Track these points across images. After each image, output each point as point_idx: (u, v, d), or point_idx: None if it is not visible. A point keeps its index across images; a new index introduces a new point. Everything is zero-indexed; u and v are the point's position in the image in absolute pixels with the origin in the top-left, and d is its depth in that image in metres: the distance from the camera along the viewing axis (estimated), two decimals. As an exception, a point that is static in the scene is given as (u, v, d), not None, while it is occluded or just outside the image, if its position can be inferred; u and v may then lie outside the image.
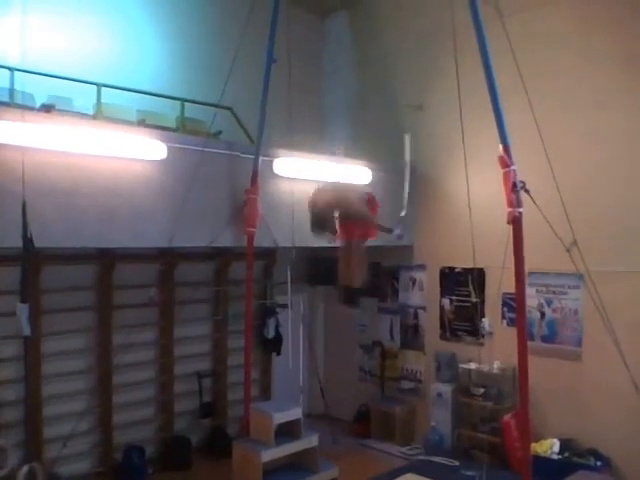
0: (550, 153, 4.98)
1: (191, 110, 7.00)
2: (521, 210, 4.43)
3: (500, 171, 4.59)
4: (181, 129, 6.78)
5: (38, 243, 4.46)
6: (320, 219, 4.94)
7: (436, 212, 8.35)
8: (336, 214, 4.90)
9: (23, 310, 4.27)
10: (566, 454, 6.70)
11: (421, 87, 8.47)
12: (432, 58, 8.12)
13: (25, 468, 4.45)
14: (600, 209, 6.78)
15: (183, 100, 6.86)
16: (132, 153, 5.51)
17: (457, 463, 7.30)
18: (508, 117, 4.54)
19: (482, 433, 7.34)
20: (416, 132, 8.51)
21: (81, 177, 5.20)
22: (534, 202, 4.53)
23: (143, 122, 6.46)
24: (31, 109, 5.50)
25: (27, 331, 4.33)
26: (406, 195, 6.59)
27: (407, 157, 6.89)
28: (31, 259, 4.79)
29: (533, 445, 6.38)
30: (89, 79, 6.18)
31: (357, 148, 7.92)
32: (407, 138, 6.94)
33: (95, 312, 7.00)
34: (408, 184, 6.77)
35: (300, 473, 6.30)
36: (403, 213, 6.35)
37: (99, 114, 6.09)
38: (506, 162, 4.44)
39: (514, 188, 4.40)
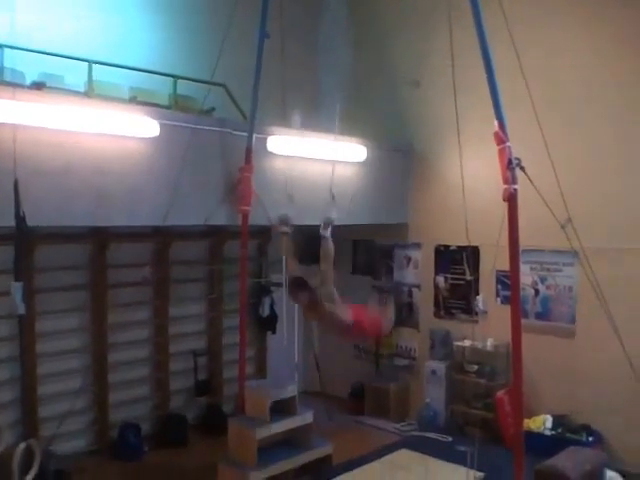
0: (545, 129, 4.94)
1: (183, 87, 6.92)
2: (517, 187, 4.41)
3: (495, 148, 4.56)
4: (173, 106, 6.71)
5: (30, 222, 4.42)
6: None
7: (432, 190, 8.33)
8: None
9: (17, 289, 4.25)
10: (559, 430, 6.79)
11: (418, 64, 8.39)
12: (430, 35, 8.02)
13: (22, 445, 4.46)
14: (595, 186, 6.79)
15: (175, 77, 6.78)
16: (124, 131, 5.45)
17: (450, 439, 7.39)
18: (504, 95, 4.50)
19: (475, 409, 7.42)
20: (413, 110, 8.50)
21: (73, 155, 5.15)
22: (529, 179, 4.51)
23: (135, 99, 6.39)
24: (22, 87, 5.42)
25: (22, 309, 4.31)
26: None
27: None
28: (24, 238, 4.76)
29: (526, 421, 6.45)
30: (80, 56, 6.09)
31: (352, 125, 7.86)
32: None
33: (89, 291, 6.99)
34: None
35: (295, 449, 6.34)
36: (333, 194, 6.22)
37: (91, 91, 6.01)
38: (501, 138, 4.40)
39: (509, 165, 4.37)
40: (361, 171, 7.84)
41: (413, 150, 8.55)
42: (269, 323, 8.57)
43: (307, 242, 9.08)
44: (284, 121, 6.67)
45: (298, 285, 5.38)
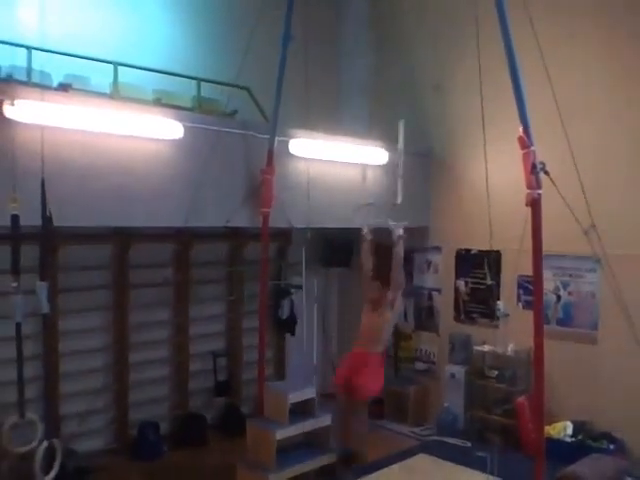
0: (570, 135, 4.91)
1: (207, 89, 6.98)
2: (540, 192, 4.38)
3: (518, 153, 4.54)
4: (197, 108, 6.76)
5: (56, 222, 4.49)
6: None
7: (452, 193, 8.31)
8: None
9: (42, 288, 4.32)
10: (579, 437, 6.72)
11: (440, 67, 8.37)
12: (451, 38, 8.00)
13: (44, 444, 4.52)
14: (618, 192, 6.72)
15: (199, 79, 6.83)
16: (148, 132, 5.50)
17: (469, 444, 7.34)
18: (528, 99, 4.47)
19: (495, 415, 7.36)
20: (434, 113, 8.48)
21: (98, 156, 5.21)
22: (553, 184, 4.48)
23: (159, 101, 6.44)
24: (49, 88, 5.50)
25: (46, 309, 4.38)
26: (400, 185, 6.59)
27: (401, 144, 6.79)
28: (50, 238, 4.82)
29: (546, 427, 6.38)
30: (106, 58, 6.17)
31: (374, 128, 7.87)
32: (401, 124, 6.83)
33: (111, 291, 7.06)
34: (402, 171, 6.73)
35: (314, 451, 6.35)
36: (399, 201, 6.37)
37: (116, 93, 6.08)
38: (525, 143, 4.39)
39: (533, 169, 4.35)
40: (382, 174, 7.83)
41: (434, 153, 8.52)
42: (288, 325, 8.58)
43: (327, 245, 9.12)
44: (306, 124, 6.68)
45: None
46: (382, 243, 6.41)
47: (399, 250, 6.31)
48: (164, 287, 7.32)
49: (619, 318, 5.20)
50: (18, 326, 4.39)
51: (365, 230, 6.56)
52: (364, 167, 7.53)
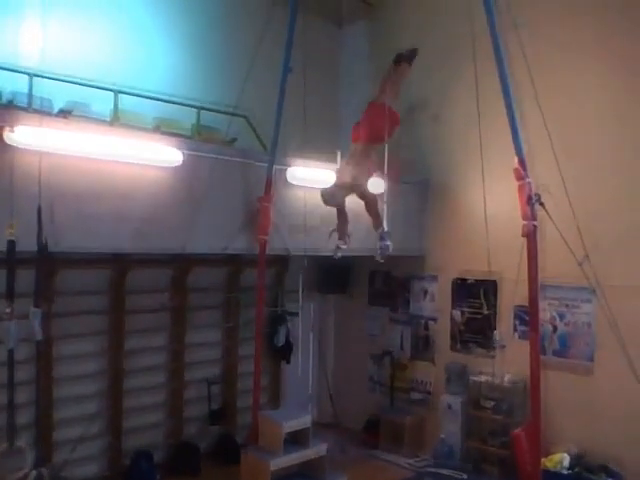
0: (564, 167, 4.96)
1: (206, 117, 7.05)
2: (536, 223, 4.41)
3: (514, 182, 4.58)
4: (196, 136, 6.83)
5: (53, 247, 4.51)
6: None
7: (449, 223, 8.34)
8: None
9: (36, 315, 4.32)
10: (576, 469, 6.65)
11: (438, 97, 8.46)
12: (449, 68, 8.12)
13: (34, 473, 4.47)
14: (613, 223, 6.75)
15: (199, 108, 6.91)
16: (148, 159, 5.55)
17: (465, 476, 7.27)
18: (525, 130, 4.53)
19: (492, 446, 7.30)
20: (431, 142, 8.56)
21: (97, 182, 5.24)
22: (549, 215, 4.52)
23: (159, 129, 6.50)
24: (49, 114, 5.55)
25: (39, 335, 4.37)
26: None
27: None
28: (46, 262, 4.83)
29: (543, 460, 6.32)
30: (106, 85, 6.24)
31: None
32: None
33: (108, 316, 7.03)
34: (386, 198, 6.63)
35: (308, 482, 6.30)
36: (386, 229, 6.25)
37: (116, 120, 6.14)
38: (521, 175, 4.43)
39: (529, 201, 4.39)
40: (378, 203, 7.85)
41: (430, 182, 8.58)
42: (284, 353, 8.54)
43: (324, 272, 9.13)
44: (304, 152, 6.73)
45: None
46: None
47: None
48: (161, 313, 7.29)
49: (615, 349, 5.19)
50: (10, 353, 4.37)
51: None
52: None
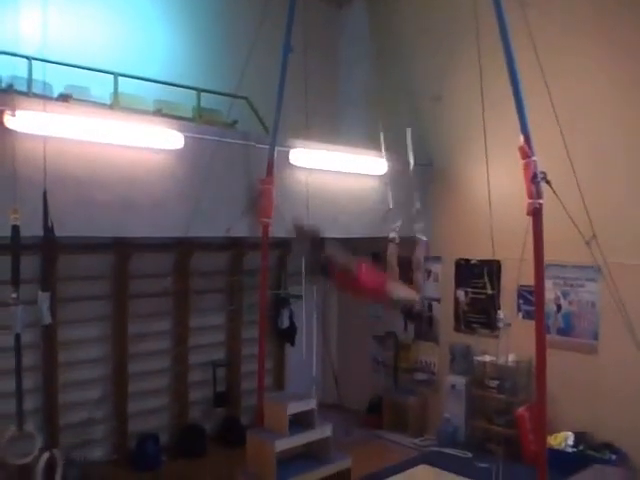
0: (570, 144, 4.91)
1: (207, 99, 6.99)
2: (541, 201, 4.38)
3: (518, 162, 4.55)
4: (197, 119, 6.78)
5: (57, 232, 4.49)
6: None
7: (452, 204, 8.32)
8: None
9: (44, 299, 4.31)
10: (581, 447, 6.69)
11: (440, 78, 8.38)
12: (451, 48, 8.02)
13: (45, 455, 4.50)
14: (619, 202, 6.72)
15: (199, 90, 6.85)
16: (149, 143, 5.52)
17: (470, 455, 7.31)
18: (529, 109, 4.48)
19: (496, 426, 7.32)
20: (433, 124, 8.50)
21: (99, 167, 5.22)
22: (555, 193, 4.48)
23: (160, 112, 6.46)
24: (49, 98, 5.51)
25: (48, 319, 4.37)
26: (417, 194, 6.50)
27: (411, 154, 6.73)
28: (51, 248, 4.82)
29: (548, 438, 6.36)
30: (106, 68, 6.18)
31: (373, 138, 7.88)
32: (409, 133, 6.80)
33: (111, 301, 7.05)
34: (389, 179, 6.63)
35: (313, 463, 6.31)
36: (418, 205, 6.29)
37: (116, 104, 6.09)
38: (527, 152, 4.39)
39: (534, 179, 4.35)
40: (382, 184, 7.82)
41: (433, 164, 8.54)
42: (288, 335, 8.57)
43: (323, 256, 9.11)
44: (306, 134, 6.69)
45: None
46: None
47: (419, 254, 6.11)
48: (164, 297, 7.30)
49: (619, 328, 5.18)
50: (17, 337, 4.37)
51: (392, 234, 6.30)
52: (365, 177, 7.52)
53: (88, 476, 6.30)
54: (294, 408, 6.23)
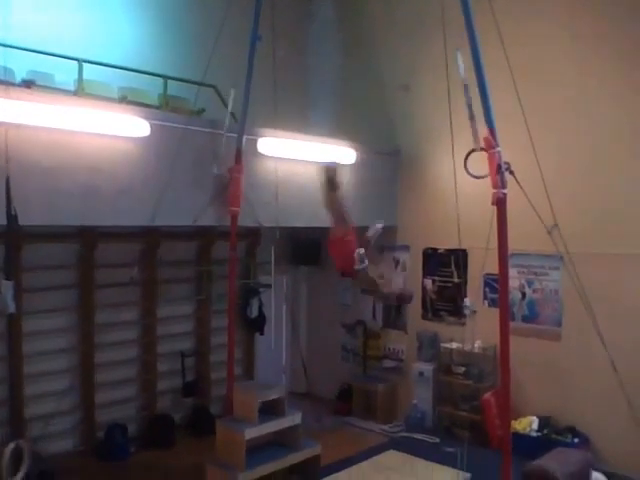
0: (534, 136, 5.00)
1: (174, 87, 6.91)
2: (505, 191, 4.45)
3: (484, 153, 4.60)
4: (164, 106, 6.71)
5: (20, 221, 4.41)
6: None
7: (420, 193, 8.39)
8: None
9: (8, 287, 4.24)
10: (545, 431, 6.86)
11: (408, 68, 8.43)
12: (419, 39, 8.08)
13: (11, 445, 4.44)
14: (582, 192, 6.86)
15: (166, 77, 6.77)
16: (114, 130, 5.45)
17: (438, 440, 7.44)
18: (495, 101, 4.54)
19: (463, 411, 7.46)
20: (401, 114, 8.55)
21: (63, 154, 5.14)
22: (518, 183, 4.55)
23: (125, 99, 6.37)
24: (11, 84, 5.39)
25: (12, 308, 4.31)
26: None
27: None
28: (15, 236, 4.74)
29: (512, 423, 6.49)
30: (70, 54, 6.07)
31: (341, 128, 7.89)
32: None
33: (77, 291, 6.97)
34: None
35: (283, 450, 6.34)
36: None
37: (80, 90, 5.99)
38: (491, 143, 4.45)
39: (499, 169, 4.42)
40: (350, 174, 7.85)
41: (402, 153, 8.59)
42: (257, 324, 8.57)
43: (296, 244, 9.14)
44: (274, 123, 6.66)
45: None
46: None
47: (369, 233, 5.82)
48: (131, 287, 7.22)
49: (582, 315, 5.30)
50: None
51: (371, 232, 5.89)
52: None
53: (53, 468, 6.23)
54: (264, 396, 6.24)
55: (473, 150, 4.53)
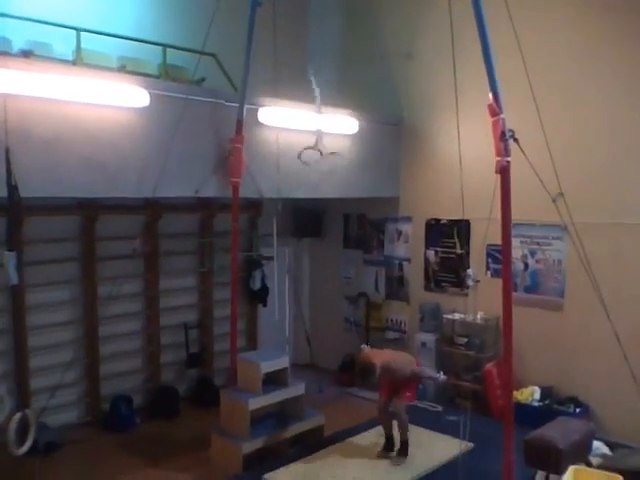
0: (539, 105, 4.92)
1: (173, 56, 6.81)
2: (509, 159, 4.40)
3: (487, 122, 4.54)
4: (163, 76, 6.62)
5: (20, 193, 4.38)
6: (364, 370, 5.89)
7: (423, 163, 8.32)
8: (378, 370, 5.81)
9: (11, 258, 4.23)
10: (546, 401, 6.88)
11: (410, 36, 8.29)
12: (423, 7, 7.95)
13: (18, 415, 4.47)
14: (586, 161, 6.79)
15: (165, 46, 6.66)
16: (114, 100, 5.38)
17: (440, 408, 7.48)
18: (499, 69, 4.46)
19: (465, 381, 7.49)
20: (404, 83, 8.44)
21: (62, 125, 5.08)
22: (522, 151, 4.50)
23: (124, 68, 6.29)
24: (9, 54, 5.32)
25: (15, 279, 4.30)
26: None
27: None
28: (16, 208, 4.71)
29: (514, 393, 6.52)
30: (68, 24, 5.97)
31: (344, 97, 7.80)
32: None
33: (79, 263, 6.96)
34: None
35: (287, 421, 6.40)
36: None
37: (79, 60, 5.91)
38: (495, 110, 4.39)
39: (503, 137, 4.36)
40: (353, 144, 7.79)
41: (404, 123, 8.50)
42: (260, 296, 8.58)
43: (298, 216, 9.10)
44: (275, 92, 6.58)
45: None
46: None
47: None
48: (133, 259, 7.21)
49: (585, 285, 5.29)
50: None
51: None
52: (335, 136, 7.45)
53: (59, 439, 6.29)
54: (267, 367, 6.27)
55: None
